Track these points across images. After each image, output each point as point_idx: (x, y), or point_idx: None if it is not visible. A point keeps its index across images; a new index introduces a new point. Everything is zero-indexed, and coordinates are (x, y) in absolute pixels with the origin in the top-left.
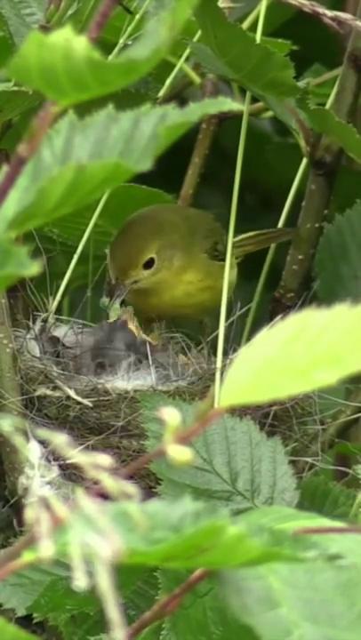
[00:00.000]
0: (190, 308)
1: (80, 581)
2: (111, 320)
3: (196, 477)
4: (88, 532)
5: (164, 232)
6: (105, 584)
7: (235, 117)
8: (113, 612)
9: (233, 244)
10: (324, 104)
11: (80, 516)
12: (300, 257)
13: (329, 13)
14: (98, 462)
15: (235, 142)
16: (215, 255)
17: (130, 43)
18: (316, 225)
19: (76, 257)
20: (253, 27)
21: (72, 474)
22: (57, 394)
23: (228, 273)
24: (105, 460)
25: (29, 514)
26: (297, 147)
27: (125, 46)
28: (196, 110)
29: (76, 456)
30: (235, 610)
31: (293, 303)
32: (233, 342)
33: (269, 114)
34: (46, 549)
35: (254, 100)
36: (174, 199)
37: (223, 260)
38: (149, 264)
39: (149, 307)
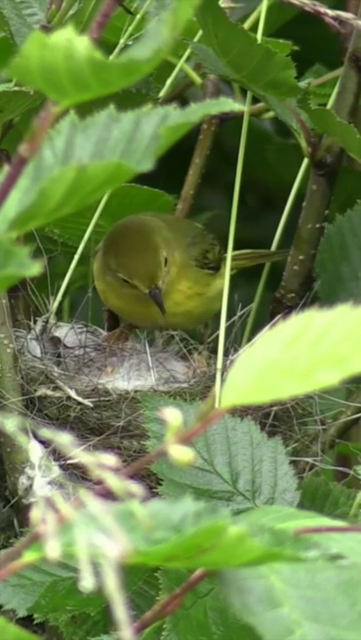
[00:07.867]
0: (179, 316)
1: (87, 582)
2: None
3: (197, 478)
4: (94, 532)
5: (160, 234)
6: (112, 584)
7: (236, 118)
8: (120, 612)
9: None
10: (325, 104)
11: (84, 516)
12: (300, 257)
13: (330, 13)
14: (102, 462)
15: (236, 143)
16: (205, 263)
17: (130, 43)
18: (317, 225)
19: (76, 257)
20: (254, 27)
21: (72, 474)
22: (58, 394)
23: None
24: (109, 459)
25: (35, 514)
26: (298, 147)
27: (126, 46)
28: (197, 111)
29: (81, 456)
30: (236, 610)
31: (294, 304)
32: (234, 343)
33: (270, 114)
34: (53, 550)
35: (255, 100)
36: (175, 199)
37: (213, 268)
38: (165, 262)
39: (140, 316)
